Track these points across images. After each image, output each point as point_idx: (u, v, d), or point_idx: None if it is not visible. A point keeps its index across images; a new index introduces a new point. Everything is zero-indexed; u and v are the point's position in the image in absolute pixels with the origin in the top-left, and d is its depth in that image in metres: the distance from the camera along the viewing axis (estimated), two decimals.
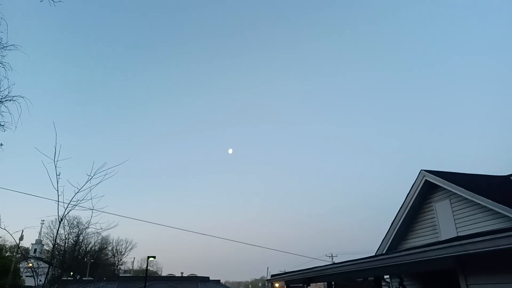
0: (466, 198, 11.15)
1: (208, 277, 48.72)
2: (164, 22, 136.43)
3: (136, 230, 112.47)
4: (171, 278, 50.06)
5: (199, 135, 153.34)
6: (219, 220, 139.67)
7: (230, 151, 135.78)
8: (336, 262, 14.61)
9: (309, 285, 13.88)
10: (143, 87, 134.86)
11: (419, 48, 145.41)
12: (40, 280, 9.32)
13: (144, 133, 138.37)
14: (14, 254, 45.64)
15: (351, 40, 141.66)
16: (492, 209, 10.16)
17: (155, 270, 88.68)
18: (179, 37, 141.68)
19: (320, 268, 11.95)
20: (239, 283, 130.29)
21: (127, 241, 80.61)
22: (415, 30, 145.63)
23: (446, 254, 6.69)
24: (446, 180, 12.03)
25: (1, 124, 9.29)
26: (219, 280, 51.05)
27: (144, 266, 56.32)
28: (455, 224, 11.67)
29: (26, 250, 67.10)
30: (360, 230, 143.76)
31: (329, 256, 63.90)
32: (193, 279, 48.21)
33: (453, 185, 11.63)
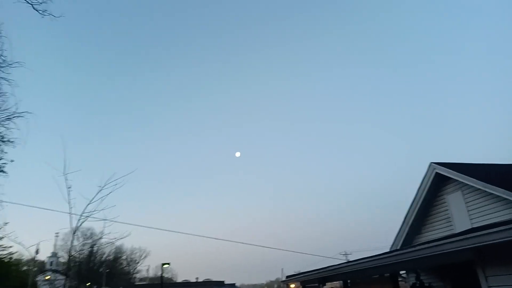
0: (479, 189, 11.00)
1: (223, 281, 48.81)
2: (165, 27, 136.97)
3: (149, 237, 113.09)
4: (186, 284, 50.22)
5: (208, 140, 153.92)
6: (232, 224, 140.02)
7: (238, 154, 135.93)
8: (350, 260, 14.53)
9: (325, 285, 13.83)
10: (149, 94, 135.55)
11: (420, 43, 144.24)
12: None
13: (153, 141, 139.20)
14: (31, 267, 46.18)
15: (354, 38, 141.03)
16: (506, 199, 10.00)
17: (170, 276, 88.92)
18: (183, 42, 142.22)
19: (335, 267, 11.90)
20: (254, 286, 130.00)
21: (141, 250, 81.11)
22: (415, 25, 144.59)
23: (462, 246, 6.63)
24: (457, 172, 11.88)
25: (11, 141, 9.41)
26: (234, 284, 51.10)
27: (159, 274, 56.50)
28: (469, 215, 11.52)
29: (42, 263, 67.87)
30: (373, 227, 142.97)
31: (344, 255, 63.57)
32: (208, 283, 48.29)
33: (465, 176, 11.49)
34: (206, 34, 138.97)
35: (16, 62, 8.37)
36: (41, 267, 62.68)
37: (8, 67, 8.43)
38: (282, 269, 76.73)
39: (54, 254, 68.84)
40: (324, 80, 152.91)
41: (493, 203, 10.65)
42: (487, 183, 10.56)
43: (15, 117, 8.70)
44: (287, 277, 16.70)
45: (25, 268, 49.98)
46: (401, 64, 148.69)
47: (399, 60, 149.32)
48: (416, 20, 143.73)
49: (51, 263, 67.53)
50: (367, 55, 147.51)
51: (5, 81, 8.49)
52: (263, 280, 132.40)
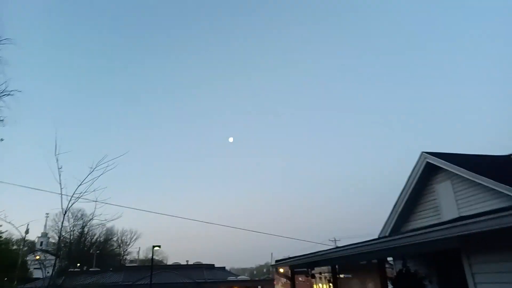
0: (468, 179, 11.17)
1: (214, 265, 49.29)
2: (162, 14, 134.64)
3: (140, 220, 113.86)
4: (177, 267, 50.64)
5: (201, 123, 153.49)
6: (223, 208, 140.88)
7: (231, 139, 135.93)
8: (339, 246, 14.75)
9: (313, 269, 14.03)
10: (143, 78, 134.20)
11: (417, 36, 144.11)
12: (48, 272, 9.44)
13: (146, 123, 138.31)
14: (21, 247, 46.15)
15: (352, 31, 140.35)
16: (493, 189, 10.18)
17: (160, 259, 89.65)
18: (178, 27, 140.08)
19: (323, 252, 12.06)
20: (244, 270, 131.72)
21: (132, 232, 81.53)
22: (412, 17, 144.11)
23: (448, 234, 6.73)
24: (447, 161, 12.03)
25: (1, 119, 9.25)
26: (224, 267, 51.64)
27: (150, 256, 56.93)
28: (457, 205, 11.72)
29: (32, 243, 67.85)
30: (362, 214, 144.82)
31: (332, 241, 64.53)
32: (198, 266, 48.78)
33: (454, 166, 11.64)
34: (201, 25, 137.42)
35: (5, 39, 8.17)
36: (31, 247, 62.75)
37: None
38: (272, 254, 77.80)
39: (45, 235, 68.87)
40: (317, 75, 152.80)
41: (481, 193, 10.83)
42: (476, 173, 10.72)
43: (4, 95, 8.54)
44: (276, 261, 16.90)
45: (15, 247, 49.96)
46: (396, 56, 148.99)
47: (393, 52, 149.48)
48: (412, 11, 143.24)
49: (41, 243, 67.63)
50: (360, 47, 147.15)
51: None
52: (252, 264, 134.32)
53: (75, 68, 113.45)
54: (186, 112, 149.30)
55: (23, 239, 42.73)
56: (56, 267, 9.15)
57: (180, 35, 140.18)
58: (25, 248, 46.46)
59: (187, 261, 68.36)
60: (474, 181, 10.88)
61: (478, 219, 6.03)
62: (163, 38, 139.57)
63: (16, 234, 52.62)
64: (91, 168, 8.11)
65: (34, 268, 49.71)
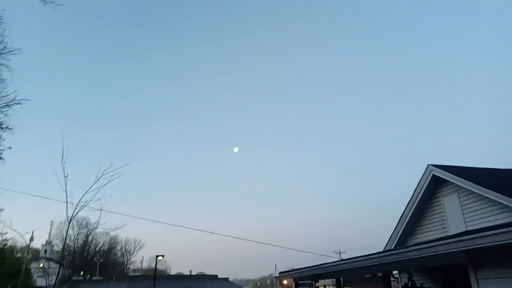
0: (475, 192, 11.05)
1: (217, 275, 48.98)
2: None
3: (144, 229, 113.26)
4: (180, 277, 50.37)
5: (206, 133, 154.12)
6: (227, 218, 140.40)
7: (236, 149, 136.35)
8: (344, 258, 14.59)
9: (318, 282, 13.89)
10: (150, 87, 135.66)
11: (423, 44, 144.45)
12: (51, 280, 9.43)
13: (151, 133, 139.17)
14: (25, 255, 46.18)
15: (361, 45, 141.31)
16: (501, 203, 10.06)
17: (164, 269, 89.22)
18: (182, 35, 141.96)
19: (328, 265, 11.93)
20: (247, 281, 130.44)
21: (136, 241, 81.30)
22: (417, 20, 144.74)
23: (455, 248, 6.65)
24: (454, 174, 11.92)
25: (9, 127, 9.43)
26: (227, 278, 51.27)
27: (153, 265, 56.59)
28: (464, 218, 11.58)
29: (37, 251, 67.90)
30: (368, 226, 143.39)
31: (337, 253, 63.86)
32: (202, 277, 48.48)
33: (461, 179, 11.53)
34: (201, 36, 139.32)
35: (16, 49, 8.37)
36: (35, 255, 62.78)
37: (8, 54, 8.43)
38: (276, 265, 76.99)
39: (49, 242, 68.89)
40: (325, 80, 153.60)
41: (488, 207, 10.70)
42: (484, 186, 10.60)
43: (14, 104, 8.71)
44: (281, 273, 16.75)
45: (19, 255, 50.03)
46: (397, 64, 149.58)
47: (393, 60, 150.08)
48: (420, 21, 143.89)
49: (45, 251, 67.62)
50: (362, 59, 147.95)
51: (5, 68, 8.49)
52: (256, 276, 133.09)
53: (79, 73, 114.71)
54: (191, 120, 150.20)
55: (28, 247, 42.76)
56: (59, 276, 9.16)
57: (185, 45, 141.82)
58: (29, 256, 46.42)
59: (190, 271, 67.93)
60: (481, 194, 10.76)
61: (485, 233, 5.96)
62: (168, 47, 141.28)
63: (21, 241, 52.73)
64: (96, 176, 8.18)
65: (38, 276, 49.67)
